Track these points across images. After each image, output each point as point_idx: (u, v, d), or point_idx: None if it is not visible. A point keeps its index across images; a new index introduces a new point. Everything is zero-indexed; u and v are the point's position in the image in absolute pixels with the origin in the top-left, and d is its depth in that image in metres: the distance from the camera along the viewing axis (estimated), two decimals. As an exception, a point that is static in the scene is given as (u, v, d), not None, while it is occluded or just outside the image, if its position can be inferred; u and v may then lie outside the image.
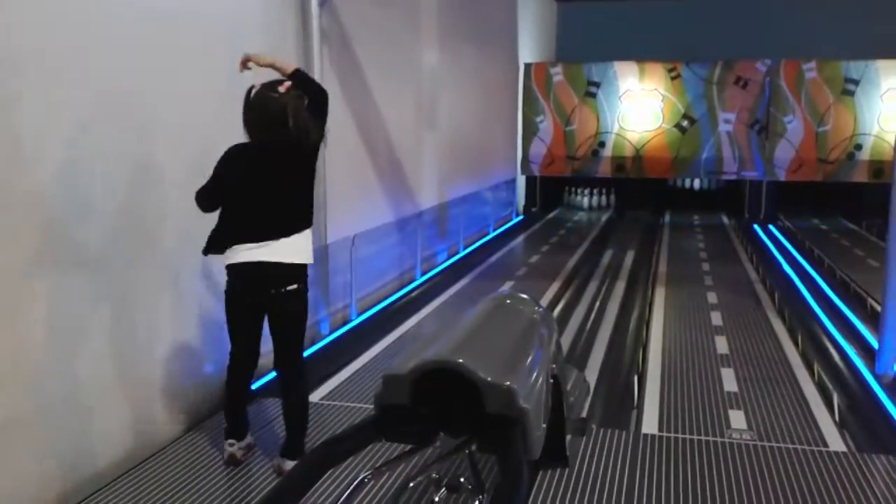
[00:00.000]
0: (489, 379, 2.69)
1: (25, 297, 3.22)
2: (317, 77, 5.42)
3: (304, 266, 3.58)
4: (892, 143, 12.18)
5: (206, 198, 3.55)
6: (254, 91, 3.47)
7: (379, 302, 6.88)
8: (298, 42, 5.40)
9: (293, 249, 3.52)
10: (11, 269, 3.14)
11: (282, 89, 3.46)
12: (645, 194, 14.43)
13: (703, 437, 4.11)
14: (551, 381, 3.27)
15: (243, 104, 3.48)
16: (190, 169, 3.85)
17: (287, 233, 3.50)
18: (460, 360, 2.74)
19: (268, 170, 3.50)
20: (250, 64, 3.60)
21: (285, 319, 3.61)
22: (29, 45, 3.15)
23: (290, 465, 3.53)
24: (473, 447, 2.83)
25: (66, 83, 3.35)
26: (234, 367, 3.73)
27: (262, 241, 3.46)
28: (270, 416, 4.24)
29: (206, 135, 4.06)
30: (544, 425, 3.01)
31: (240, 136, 3.53)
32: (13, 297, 3.16)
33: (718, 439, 4.09)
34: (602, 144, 13.24)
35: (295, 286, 3.54)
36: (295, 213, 3.57)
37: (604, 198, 14.95)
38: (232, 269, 3.55)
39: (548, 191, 14.53)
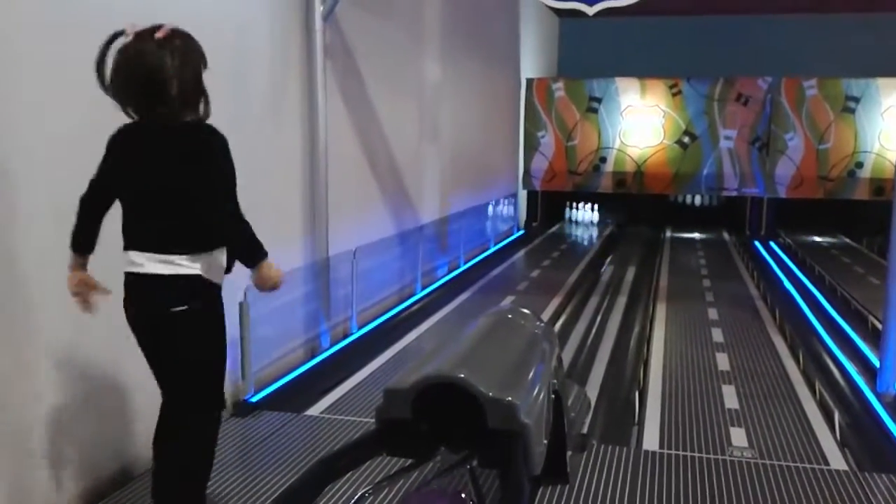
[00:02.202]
0: (490, 394, 2.69)
1: None
2: (319, 92, 5.47)
3: (198, 278, 2.64)
4: (893, 160, 12.34)
5: (81, 200, 2.75)
6: (126, 45, 2.52)
7: (380, 315, 6.88)
8: (302, 56, 5.42)
9: (180, 262, 2.64)
10: None
11: (160, 35, 2.49)
12: (646, 210, 14.46)
13: (703, 455, 4.10)
14: (552, 396, 3.27)
15: (112, 65, 2.55)
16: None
17: (169, 250, 2.62)
18: (462, 375, 2.74)
19: (146, 162, 2.60)
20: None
21: (168, 353, 2.71)
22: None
23: None
24: (474, 462, 2.83)
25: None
26: (160, 412, 2.83)
27: (143, 250, 2.64)
28: (265, 433, 4.23)
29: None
30: (545, 441, 3.01)
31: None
32: None
33: (719, 457, 4.07)
34: (603, 160, 13.27)
35: (185, 307, 2.62)
36: (183, 230, 2.63)
37: (605, 213, 14.97)
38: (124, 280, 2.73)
39: (549, 205, 14.55)
